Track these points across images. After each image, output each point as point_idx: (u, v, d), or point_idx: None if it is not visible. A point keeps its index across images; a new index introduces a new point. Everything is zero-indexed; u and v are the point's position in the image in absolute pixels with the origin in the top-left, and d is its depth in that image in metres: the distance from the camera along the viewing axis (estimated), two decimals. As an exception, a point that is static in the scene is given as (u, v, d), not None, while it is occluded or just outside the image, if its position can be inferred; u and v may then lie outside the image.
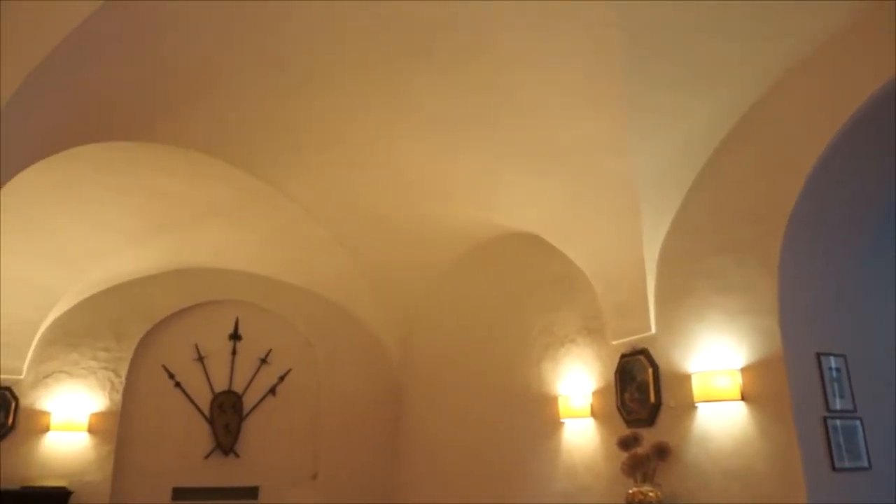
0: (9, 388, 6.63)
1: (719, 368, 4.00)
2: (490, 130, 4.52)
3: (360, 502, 7.36)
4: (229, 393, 7.51)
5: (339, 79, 4.20)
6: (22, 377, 6.72)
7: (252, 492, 7.28)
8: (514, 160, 4.74)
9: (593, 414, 5.00)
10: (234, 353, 7.67)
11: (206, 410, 7.39)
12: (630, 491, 4.19)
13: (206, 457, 7.25)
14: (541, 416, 5.53)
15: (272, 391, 7.67)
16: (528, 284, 5.99)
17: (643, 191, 4.38)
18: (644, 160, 4.26)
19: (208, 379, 7.49)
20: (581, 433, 5.11)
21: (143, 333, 7.29)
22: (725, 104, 4.06)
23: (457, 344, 6.89)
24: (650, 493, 4.10)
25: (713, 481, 3.92)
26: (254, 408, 7.55)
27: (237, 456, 7.35)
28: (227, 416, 7.41)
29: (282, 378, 7.73)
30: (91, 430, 6.82)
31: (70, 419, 6.73)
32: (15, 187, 4.00)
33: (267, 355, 7.75)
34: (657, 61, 3.70)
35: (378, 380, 7.94)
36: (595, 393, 5.04)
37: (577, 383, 5.23)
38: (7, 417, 6.55)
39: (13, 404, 6.60)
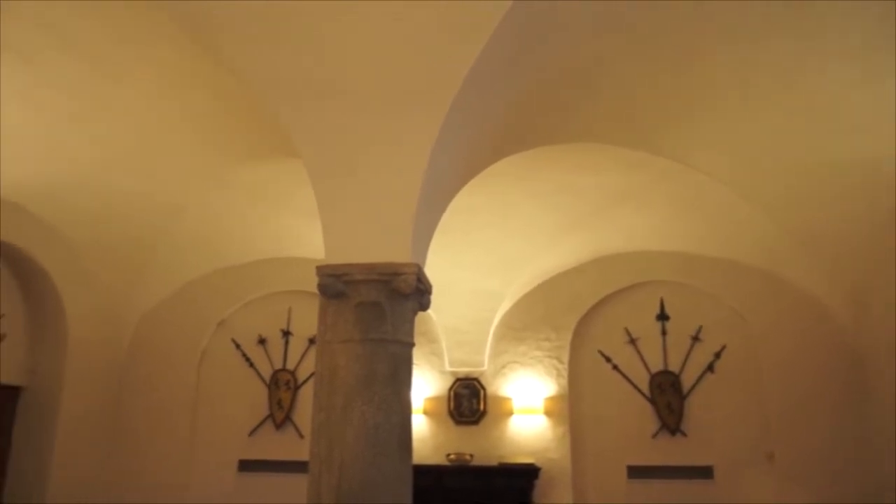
0: (477, 379, 7.79)
1: None
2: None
3: (829, 488, 6.62)
4: (666, 373, 7.54)
5: (728, 30, 3.90)
6: (485, 369, 7.83)
7: (706, 471, 7.16)
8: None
9: None
10: (663, 333, 7.68)
11: (645, 391, 7.55)
12: None
13: (654, 436, 7.39)
14: None
15: (710, 369, 7.45)
16: None
17: None
18: None
19: (643, 360, 7.64)
20: None
21: (575, 322, 7.82)
22: None
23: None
24: None
25: None
26: (693, 386, 7.44)
27: (684, 435, 7.32)
28: (667, 396, 7.45)
29: (717, 355, 7.46)
30: (546, 413, 7.57)
31: (528, 404, 7.59)
32: (453, 210, 4.66)
33: (698, 333, 7.57)
34: None
35: (828, 348, 7.03)
36: None
37: None
38: (479, 404, 7.70)
39: (482, 392, 7.73)
